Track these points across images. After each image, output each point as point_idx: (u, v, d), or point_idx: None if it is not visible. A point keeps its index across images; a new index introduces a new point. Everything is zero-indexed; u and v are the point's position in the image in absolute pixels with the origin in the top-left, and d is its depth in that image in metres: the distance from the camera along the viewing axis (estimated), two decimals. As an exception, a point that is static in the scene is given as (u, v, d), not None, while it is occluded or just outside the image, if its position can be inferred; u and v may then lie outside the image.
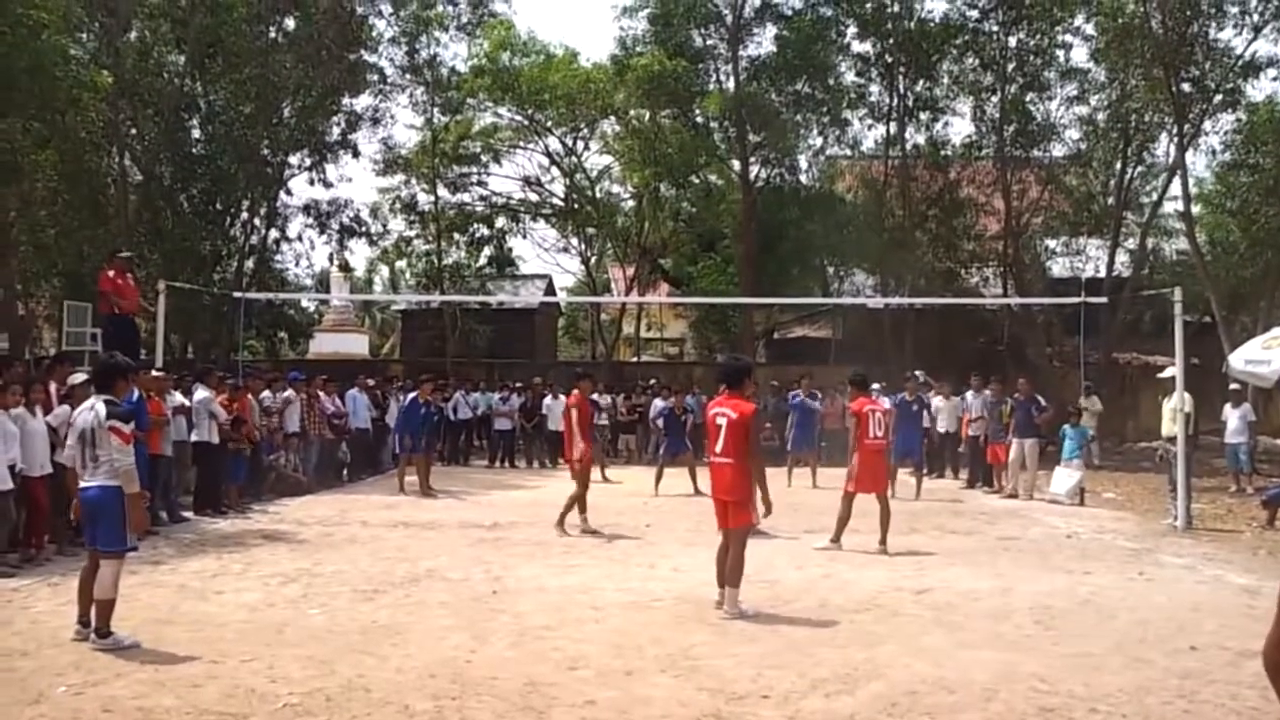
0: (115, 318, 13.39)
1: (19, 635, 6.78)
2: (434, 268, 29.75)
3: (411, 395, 16.90)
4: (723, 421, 7.64)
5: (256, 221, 25.73)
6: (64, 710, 5.33)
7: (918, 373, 18.24)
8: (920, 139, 27.17)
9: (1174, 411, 13.44)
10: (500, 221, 32.01)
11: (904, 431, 15.84)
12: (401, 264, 36.02)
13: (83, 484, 6.64)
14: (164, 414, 11.93)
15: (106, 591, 6.47)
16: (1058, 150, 26.69)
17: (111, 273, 13.48)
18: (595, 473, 18.34)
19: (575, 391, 12.52)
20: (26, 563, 9.24)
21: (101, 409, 6.58)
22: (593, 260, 35.12)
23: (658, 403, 20.06)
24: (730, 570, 7.57)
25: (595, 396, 20.91)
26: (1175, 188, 24.03)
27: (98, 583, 6.49)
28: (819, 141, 28.21)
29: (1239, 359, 12.63)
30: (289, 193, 27.16)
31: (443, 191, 29.63)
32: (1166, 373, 14.19)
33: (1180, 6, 21.19)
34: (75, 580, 6.94)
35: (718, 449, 7.68)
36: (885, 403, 12.81)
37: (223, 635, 6.79)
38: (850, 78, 27.17)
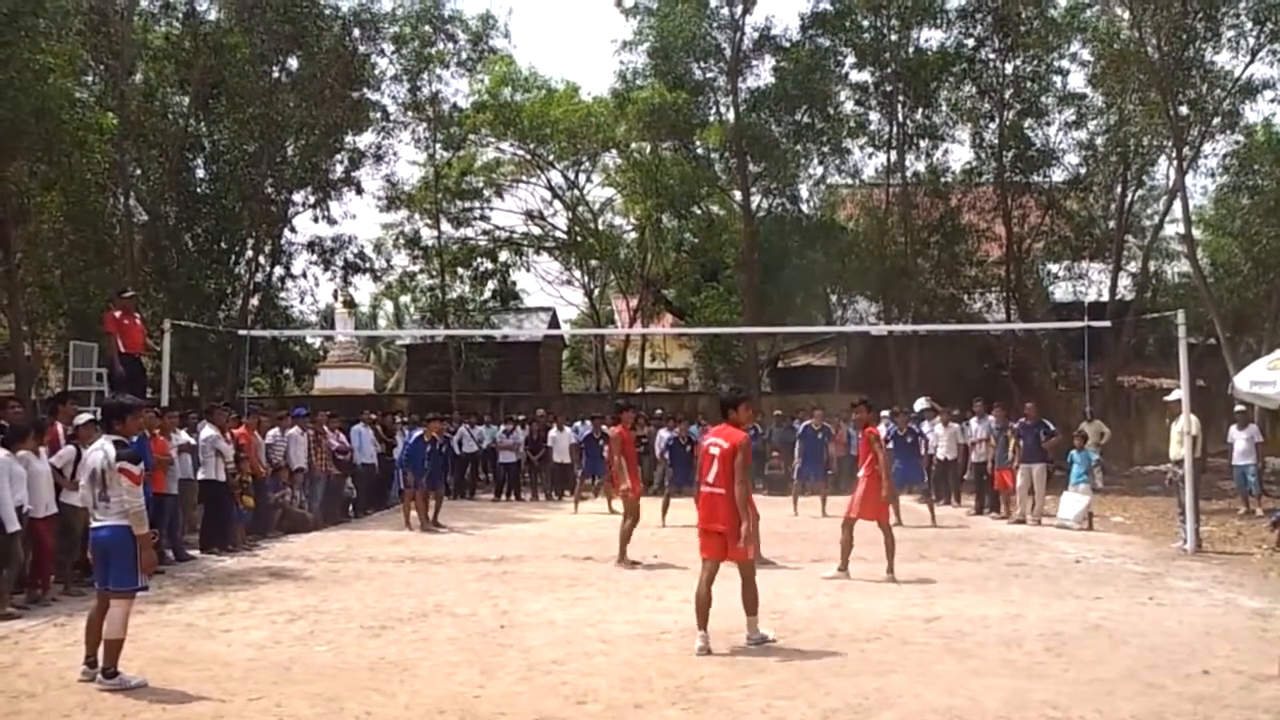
0: (124, 357, 13.41)
1: (26, 677, 6.76)
2: (438, 302, 29.81)
3: (417, 433, 16.84)
4: (715, 451, 7.61)
5: (261, 259, 25.84)
6: (71, 752, 5.31)
7: (922, 399, 18.23)
8: (920, 166, 27.28)
9: (1181, 434, 13.40)
10: (503, 255, 32.17)
11: (903, 460, 16.12)
12: (405, 299, 36.11)
13: (94, 524, 6.64)
14: (168, 453, 11.94)
15: (116, 631, 6.45)
16: (1057, 175, 26.78)
17: (118, 313, 13.52)
18: (602, 504, 18.47)
19: (619, 425, 12.49)
20: (33, 603, 9.22)
21: (111, 450, 6.57)
22: (596, 292, 35.20)
23: (663, 433, 20.05)
24: (745, 599, 7.57)
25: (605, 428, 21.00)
26: (1176, 211, 24.12)
27: (107, 622, 6.47)
28: (819, 171, 28.36)
29: (1244, 380, 12.57)
30: (293, 230, 27.38)
31: (446, 226, 29.80)
32: (1173, 395, 14.15)
33: (1175, 30, 21.30)
34: (81, 621, 6.94)
35: (709, 478, 7.61)
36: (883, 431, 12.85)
37: (230, 674, 6.76)
38: (849, 107, 27.36)
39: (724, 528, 7.50)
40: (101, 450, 6.63)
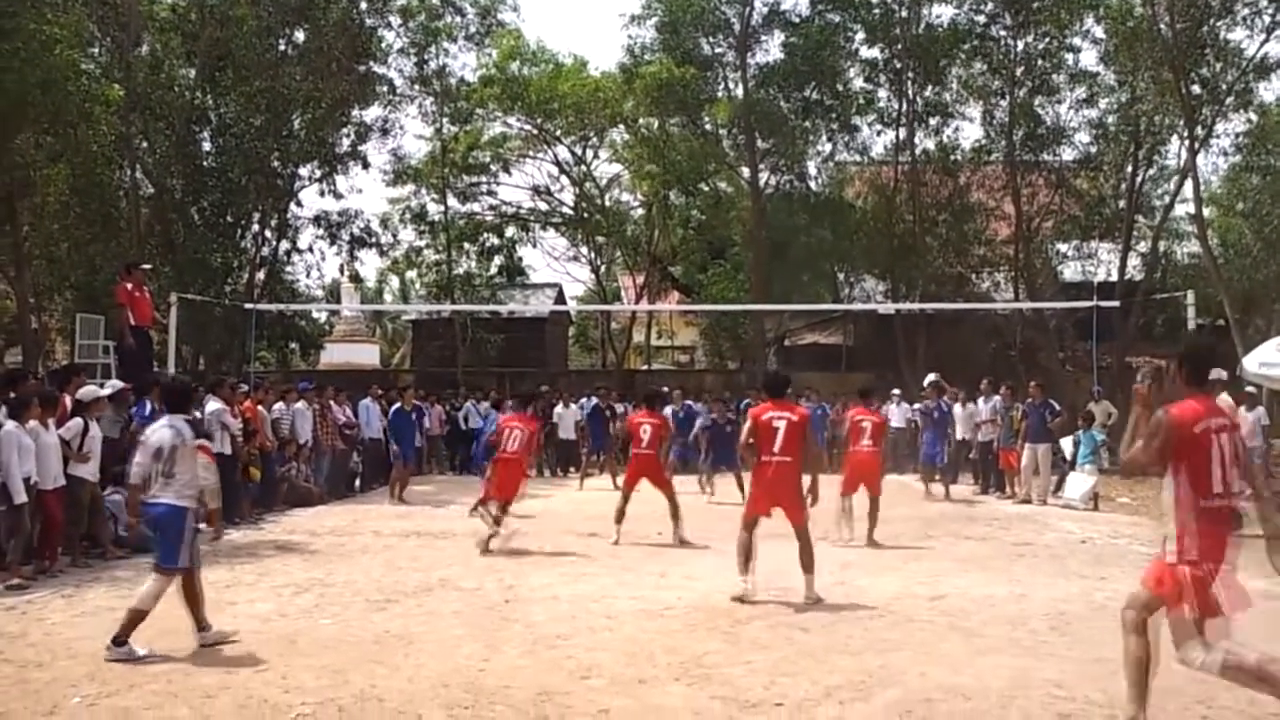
0: (133, 329, 13.43)
1: (33, 647, 6.80)
2: (444, 277, 29.81)
3: (395, 406, 16.80)
4: (780, 424, 8.28)
5: (267, 233, 25.81)
6: (78, 722, 5.33)
7: (931, 375, 18.17)
8: (929, 144, 27.21)
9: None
10: (510, 231, 32.12)
11: (928, 438, 16.36)
12: (412, 274, 36.14)
13: (151, 499, 6.72)
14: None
15: (145, 603, 6.53)
16: (1068, 154, 26.66)
17: (129, 285, 13.52)
18: (607, 481, 18.48)
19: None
20: (40, 575, 9.26)
21: (185, 429, 6.75)
22: (603, 268, 35.15)
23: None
24: (803, 560, 8.16)
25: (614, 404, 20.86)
26: (1187, 190, 23.99)
27: (140, 592, 6.60)
28: (828, 147, 28.30)
29: (1253, 362, 12.50)
30: (299, 204, 27.29)
31: (452, 201, 29.73)
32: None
33: (1189, 8, 21.09)
34: (89, 592, 7.09)
35: (775, 449, 8.23)
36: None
37: (236, 646, 6.79)
38: (859, 84, 27.27)
39: (783, 491, 8.20)
40: (173, 428, 6.74)
